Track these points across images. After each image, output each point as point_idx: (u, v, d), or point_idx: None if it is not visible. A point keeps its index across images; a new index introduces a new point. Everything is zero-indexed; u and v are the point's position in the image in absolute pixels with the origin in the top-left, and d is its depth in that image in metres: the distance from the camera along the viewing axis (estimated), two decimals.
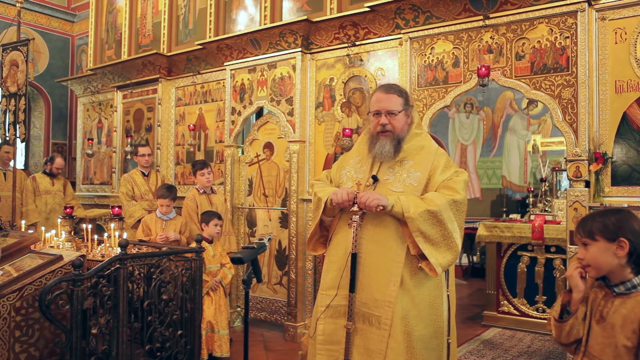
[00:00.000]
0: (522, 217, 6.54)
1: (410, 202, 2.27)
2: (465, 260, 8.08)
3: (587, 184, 3.60)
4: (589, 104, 3.57)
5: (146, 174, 5.40)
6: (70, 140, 9.16)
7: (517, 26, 3.83)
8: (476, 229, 5.54)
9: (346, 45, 4.63)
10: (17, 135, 5.10)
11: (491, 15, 3.88)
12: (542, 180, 6.91)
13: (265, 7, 5.20)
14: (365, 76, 4.59)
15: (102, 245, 3.73)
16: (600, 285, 1.77)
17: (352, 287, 2.32)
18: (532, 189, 7.45)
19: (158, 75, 6.09)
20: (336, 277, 2.38)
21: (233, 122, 5.31)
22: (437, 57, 4.15)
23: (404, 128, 2.46)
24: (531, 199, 6.96)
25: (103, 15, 7.10)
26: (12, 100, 5.17)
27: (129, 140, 6.37)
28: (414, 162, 2.43)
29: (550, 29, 3.71)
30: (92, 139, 7.30)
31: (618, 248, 1.68)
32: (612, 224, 1.69)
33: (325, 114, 4.81)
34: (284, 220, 4.98)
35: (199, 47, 5.51)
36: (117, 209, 4.02)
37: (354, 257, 2.32)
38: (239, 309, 5.19)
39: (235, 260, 2.58)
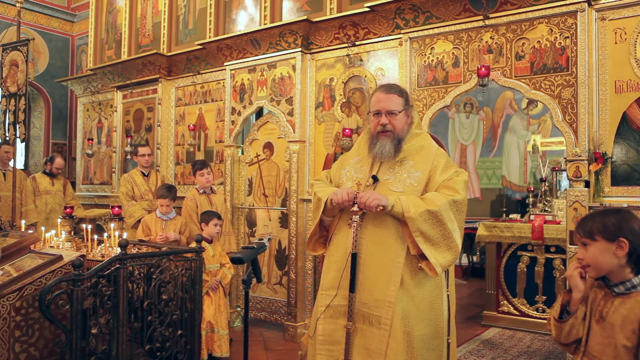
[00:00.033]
0: (522, 217, 6.54)
1: (411, 202, 2.27)
2: (465, 260, 8.08)
3: (587, 184, 3.60)
4: (588, 104, 3.58)
5: (146, 174, 5.40)
6: (70, 140, 9.16)
7: (517, 26, 3.83)
8: (476, 229, 5.54)
9: (346, 45, 4.63)
10: (17, 135, 5.10)
11: (491, 16, 3.88)
12: (542, 180, 6.92)
13: (265, 7, 5.20)
14: (365, 76, 4.59)
15: (102, 245, 3.73)
16: (600, 285, 1.78)
17: (352, 287, 2.32)
18: (532, 189, 7.44)
19: (158, 75, 6.09)
20: (336, 277, 2.38)
21: (233, 122, 5.31)
22: (437, 57, 4.15)
23: (404, 128, 2.47)
24: (531, 199, 6.95)
25: (103, 15, 7.10)
26: (12, 100, 5.17)
27: (129, 140, 6.37)
28: (414, 162, 2.43)
29: (550, 29, 3.71)
30: (92, 139, 7.31)
31: (618, 248, 1.68)
32: (611, 224, 1.69)
33: (325, 114, 4.81)
34: (284, 220, 4.98)
35: (199, 47, 5.51)
36: (117, 209, 4.02)
37: (354, 257, 2.32)
38: (238, 309, 5.19)
39: (235, 260, 2.58)
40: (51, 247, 3.77)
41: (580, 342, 1.78)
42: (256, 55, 5.10)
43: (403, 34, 4.27)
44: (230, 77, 5.34)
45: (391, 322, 2.23)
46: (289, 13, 5.09)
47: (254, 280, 2.73)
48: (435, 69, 4.16)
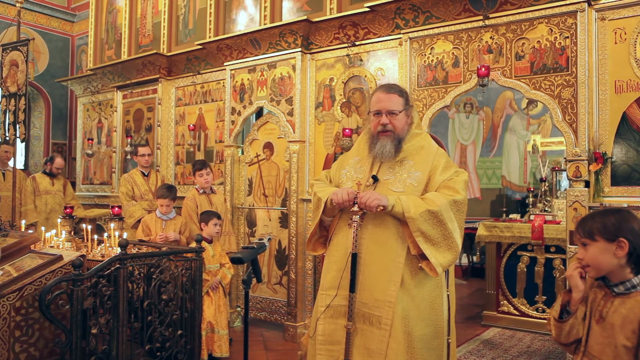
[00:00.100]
0: (521, 217, 6.54)
1: (411, 202, 2.27)
2: (465, 260, 8.08)
3: (587, 184, 3.61)
4: (588, 104, 3.58)
5: (146, 174, 5.40)
6: (70, 140, 9.16)
7: (516, 26, 3.83)
8: (476, 229, 5.54)
9: (346, 45, 4.63)
10: (17, 135, 5.10)
11: (491, 16, 3.88)
12: (542, 180, 6.92)
13: (265, 7, 5.20)
14: (365, 76, 4.59)
15: (102, 245, 3.73)
16: (599, 285, 1.78)
17: (353, 287, 2.32)
18: (532, 189, 7.45)
19: (158, 75, 6.09)
20: (336, 277, 2.38)
21: (233, 122, 5.31)
22: (437, 57, 4.15)
23: (404, 128, 2.47)
24: (531, 199, 6.96)
25: (103, 15, 7.10)
26: (12, 100, 5.17)
27: (129, 140, 6.37)
28: (414, 162, 2.43)
29: (550, 29, 3.71)
30: (92, 139, 7.31)
31: (617, 248, 1.68)
32: (611, 224, 1.69)
33: (325, 114, 4.81)
34: (284, 220, 4.98)
35: (199, 47, 5.51)
36: (117, 209, 4.02)
37: (354, 257, 2.32)
38: (238, 309, 5.19)
39: (235, 260, 2.58)
40: (51, 247, 3.77)
41: (580, 342, 1.78)
42: (256, 55, 5.10)
43: (403, 34, 4.28)
44: (230, 77, 5.34)
45: (391, 322, 2.23)
46: (289, 13, 5.10)
47: (254, 280, 2.73)
48: (435, 69, 4.16)
